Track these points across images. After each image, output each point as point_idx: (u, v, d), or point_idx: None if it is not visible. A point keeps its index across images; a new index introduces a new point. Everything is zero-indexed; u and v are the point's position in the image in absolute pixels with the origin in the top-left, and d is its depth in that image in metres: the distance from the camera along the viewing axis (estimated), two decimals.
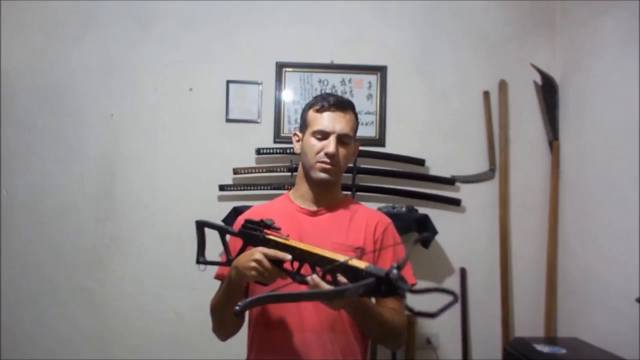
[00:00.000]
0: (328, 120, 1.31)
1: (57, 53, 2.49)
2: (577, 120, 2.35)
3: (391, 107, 2.53)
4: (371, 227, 1.36)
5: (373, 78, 2.53)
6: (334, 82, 2.53)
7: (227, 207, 2.36)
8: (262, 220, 1.19)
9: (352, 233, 1.34)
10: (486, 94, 2.53)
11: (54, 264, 2.45)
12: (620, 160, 2.03)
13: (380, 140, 2.52)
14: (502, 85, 2.53)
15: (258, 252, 1.13)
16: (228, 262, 1.28)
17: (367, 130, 2.52)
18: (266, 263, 1.12)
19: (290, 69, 2.51)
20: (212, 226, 1.32)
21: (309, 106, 1.38)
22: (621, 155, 2.02)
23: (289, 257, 1.10)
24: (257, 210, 1.45)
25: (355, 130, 1.38)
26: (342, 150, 1.32)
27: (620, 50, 2.07)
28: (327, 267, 1.02)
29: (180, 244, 2.46)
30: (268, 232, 1.19)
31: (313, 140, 1.32)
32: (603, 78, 2.18)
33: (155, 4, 2.51)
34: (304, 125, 1.38)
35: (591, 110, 2.26)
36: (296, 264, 1.11)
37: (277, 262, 1.12)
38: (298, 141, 1.40)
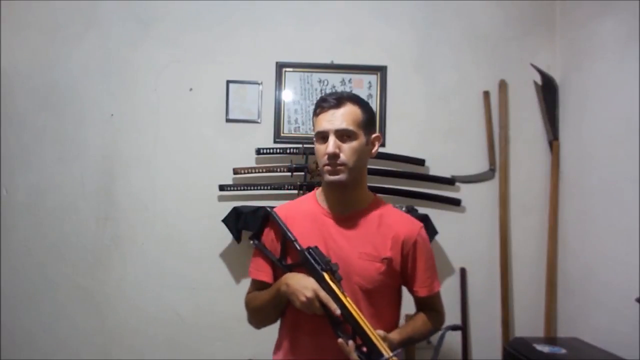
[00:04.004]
0: (324, 121, 1.29)
1: (57, 53, 2.49)
2: (577, 120, 2.35)
3: (391, 107, 2.53)
4: (399, 240, 1.32)
5: (373, 78, 2.53)
6: (334, 82, 2.53)
7: (227, 207, 2.36)
8: (329, 261, 1.23)
9: (378, 242, 1.31)
10: (486, 94, 2.53)
11: (54, 264, 2.45)
12: (620, 160, 2.03)
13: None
14: (502, 85, 2.53)
15: (312, 291, 1.19)
16: (280, 263, 1.31)
17: None
18: (316, 304, 1.19)
19: (290, 69, 2.51)
20: (278, 224, 1.32)
21: (312, 113, 1.38)
22: (621, 155, 2.02)
23: (338, 312, 1.17)
24: (283, 208, 1.41)
25: (361, 120, 1.30)
26: (346, 147, 1.27)
27: (620, 50, 2.07)
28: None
29: (181, 244, 2.47)
30: (328, 275, 1.21)
31: (318, 145, 1.31)
32: (603, 78, 2.18)
33: (155, 4, 2.51)
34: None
35: (591, 110, 2.26)
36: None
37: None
38: None
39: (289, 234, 1.28)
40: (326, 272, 1.21)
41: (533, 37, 2.56)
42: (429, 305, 1.40)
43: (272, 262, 1.34)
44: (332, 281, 1.20)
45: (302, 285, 1.21)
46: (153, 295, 2.46)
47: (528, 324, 2.48)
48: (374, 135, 1.36)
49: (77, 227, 2.46)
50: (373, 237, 1.32)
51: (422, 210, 2.44)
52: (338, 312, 1.16)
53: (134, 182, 2.48)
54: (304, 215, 1.35)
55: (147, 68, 2.50)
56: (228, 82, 2.50)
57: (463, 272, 2.50)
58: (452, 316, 2.46)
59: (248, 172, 2.44)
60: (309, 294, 1.18)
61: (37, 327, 2.45)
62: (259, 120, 2.52)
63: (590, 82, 2.26)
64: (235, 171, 2.44)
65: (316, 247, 1.25)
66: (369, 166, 2.42)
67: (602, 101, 2.18)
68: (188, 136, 2.50)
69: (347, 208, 1.35)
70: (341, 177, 1.28)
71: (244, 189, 2.43)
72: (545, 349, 1.96)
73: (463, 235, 2.51)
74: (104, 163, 2.48)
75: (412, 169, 2.50)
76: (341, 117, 1.28)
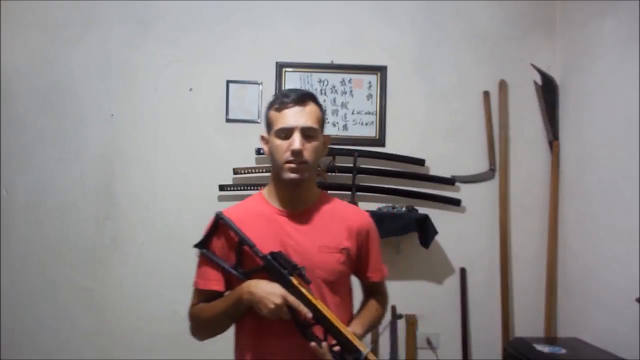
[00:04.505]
0: (289, 117, 1.26)
1: (57, 53, 2.49)
2: (577, 120, 2.35)
3: (391, 107, 2.53)
4: (354, 231, 1.35)
5: (373, 78, 2.53)
6: (334, 82, 2.53)
7: (227, 207, 2.35)
8: (296, 265, 1.19)
9: (335, 234, 1.33)
10: (486, 94, 2.53)
11: (54, 264, 2.45)
12: (620, 160, 2.03)
13: (380, 140, 2.52)
14: (502, 85, 2.53)
15: (280, 297, 1.16)
16: (236, 271, 1.26)
17: (367, 130, 2.52)
18: (285, 311, 1.16)
19: (290, 69, 2.51)
20: (233, 229, 1.27)
21: (269, 105, 1.35)
22: (621, 155, 2.02)
23: (310, 315, 1.15)
24: (233, 211, 1.38)
25: (321, 121, 1.32)
26: (308, 145, 1.27)
27: (620, 50, 2.07)
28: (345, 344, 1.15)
29: (180, 243, 2.46)
30: (295, 279, 1.18)
31: (277, 141, 1.28)
32: (603, 78, 2.18)
33: (155, 4, 2.51)
34: (268, 126, 1.34)
35: (591, 110, 2.26)
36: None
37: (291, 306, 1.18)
38: (266, 144, 1.35)
39: (246, 240, 1.24)
40: (294, 276, 1.19)
41: (533, 37, 2.56)
42: (378, 290, 1.45)
43: (223, 269, 1.28)
44: (302, 285, 1.18)
45: (267, 292, 1.17)
46: (153, 295, 2.46)
47: (528, 324, 2.48)
48: (325, 136, 1.37)
49: (77, 227, 2.46)
50: (329, 230, 1.33)
51: (422, 210, 2.44)
52: (309, 315, 1.15)
53: (134, 182, 2.48)
54: (256, 216, 1.33)
55: (147, 68, 2.50)
56: (228, 82, 2.50)
57: (463, 272, 2.50)
58: (452, 316, 2.48)
59: (248, 172, 2.44)
60: (277, 300, 1.15)
61: (37, 327, 2.45)
62: (259, 120, 2.52)
63: (590, 82, 2.26)
64: (235, 171, 2.45)
65: (280, 252, 1.22)
66: (368, 166, 2.46)
67: (602, 101, 2.18)
68: (188, 136, 2.50)
69: (300, 205, 1.34)
70: (303, 175, 1.28)
71: (244, 189, 2.43)
72: (545, 349, 1.96)
73: (463, 235, 2.51)
74: (104, 163, 2.48)
75: (412, 169, 2.50)
76: (307, 116, 1.28)
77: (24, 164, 2.47)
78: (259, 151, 2.44)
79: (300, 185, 1.31)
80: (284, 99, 1.30)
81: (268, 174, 2.43)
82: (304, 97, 1.30)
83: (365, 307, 1.41)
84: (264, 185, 2.38)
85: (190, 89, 2.51)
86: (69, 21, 2.49)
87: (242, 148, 2.48)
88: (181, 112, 2.50)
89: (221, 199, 2.47)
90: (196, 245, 1.33)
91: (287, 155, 1.26)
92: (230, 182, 2.47)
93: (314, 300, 1.17)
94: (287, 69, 2.51)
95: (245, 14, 2.52)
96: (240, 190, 2.43)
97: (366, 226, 1.39)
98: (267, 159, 2.47)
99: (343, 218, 1.36)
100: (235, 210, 1.38)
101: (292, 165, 1.26)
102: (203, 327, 1.35)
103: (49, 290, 2.45)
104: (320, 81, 2.52)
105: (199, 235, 2.50)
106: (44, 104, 2.48)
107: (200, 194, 2.47)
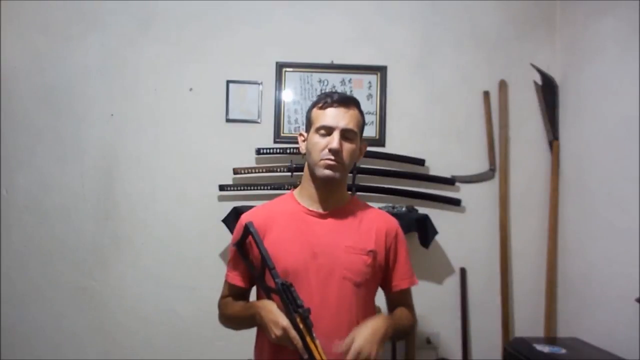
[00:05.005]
0: (331, 116, 1.31)
1: (57, 53, 2.49)
2: (577, 120, 2.35)
3: (391, 107, 2.53)
4: (382, 233, 1.37)
5: (373, 78, 2.53)
6: (334, 82, 2.53)
7: (227, 207, 2.36)
8: (302, 304, 1.18)
9: (362, 236, 1.34)
10: (486, 94, 2.53)
11: (54, 263, 2.45)
12: (620, 160, 2.03)
13: (380, 140, 2.52)
14: (502, 85, 2.53)
15: (281, 329, 1.18)
16: (260, 283, 1.30)
17: (367, 130, 2.45)
18: (286, 341, 1.18)
19: (290, 69, 2.51)
20: (257, 246, 1.27)
21: (312, 104, 1.38)
22: (621, 155, 2.02)
23: (306, 356, 1.15)
24: (261, 210, 1.42)
25: (361, 127, 1.37)
26: (346, 147, 1.31)
27: (621, 50, 2.07)
28: None
29: (180, 244, 2.47)
30: (299, 318, 1.17)
31: (317, 138, 1.32)
32: (603, 78, 2.18)
33: (155, 4, 2.51)
34: (308, 124, 1.38)
35: (591, 110, 2.26)
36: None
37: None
38: (304, 141, 1.39)
39: (268, 261, 1.25)
40: (297, 314, 1.17)
41: (533, 37, 2.56)
42: (405, 303, 1.43)
43: (250, 269, 1.33)
44: (303, 325, 1.17)
45: (272, 320, 1.20)
46: (153, 295, 2.46)
47: (528, 324, 2.48)
48: (363, 143, 1.42)
49: (77, 227, 2.46)
50: (356, 232, 1.34)
51: (422, 210, 2.44)
52: (305, 356, 1.16)
53: (134, 182, 2.48)
54: (283, 216, 1.36)
55: (147, 68, 2.50)
56: (228, 82, 2.50)
57: (463, 272, 2.50)
58: (452, 316, 2.48)
59: (248, 172, 2.44)
60: (278, 332, 1.18)
61: (37, 327, 2.45)
62: (259, 120, 2.52)
63: (590, 82, 2.26)
64: (235, 171, 2.44)
65: (291, 284, 1.20)
66: (368, 166, 2.46)
67: (602, 101, 2.18)
68: (188, 136, 2.50)
69: (330, 205, 1.36)
70: (337, 174, 1.31)
71: (244, 189, 2.43)
72: (545, 349, 1.96)
73: (463, 235, 2.51)
74: (104, 163, 2.48)
75: (412, 169, 2.50)
76: (349, 118, 1.32)
77: (24, 164, 2.47)
78: (259, 151, 2.43)
79: (332, 185, 1.34)
80: (328, 98, 1.34)
81: (268, 174, 2.45)
82: (348, 100, 1.34)
83: (394, 313, 1.39)
84: (264, 185, 2.42)
85: (190, 89, 2.51)
86: (69, 21, 2.49)
87: (242, 148, 2.48)
88: (181, 112, 2.50)
89: (221, 199, 2.47)
90: (235, 245, 1.36)
91: (325, 153, 1.30)
92: (230, 182, 2.47)
93: (310, 344, 1.16)
94: (287, 69, 2.51)
95: (245, 14, 2.52)
96: (240, 190, 2.43)
97: (394, 229, 1.40)
98: (267, 159, 2.50)
99: (371, 221, 1.38)
100: (263, 210, 1.42)
101: (329, 162, 1.29)
102: (225, 321, 1.43)
103: (49, 290, 2.45)
104: (320, 81, 2.52)
105: (199, 235, 2.53)
106: (44, 104, 2.48)
107: (200, 194, 2.47)
